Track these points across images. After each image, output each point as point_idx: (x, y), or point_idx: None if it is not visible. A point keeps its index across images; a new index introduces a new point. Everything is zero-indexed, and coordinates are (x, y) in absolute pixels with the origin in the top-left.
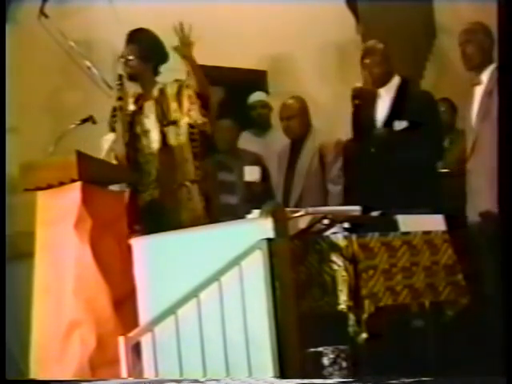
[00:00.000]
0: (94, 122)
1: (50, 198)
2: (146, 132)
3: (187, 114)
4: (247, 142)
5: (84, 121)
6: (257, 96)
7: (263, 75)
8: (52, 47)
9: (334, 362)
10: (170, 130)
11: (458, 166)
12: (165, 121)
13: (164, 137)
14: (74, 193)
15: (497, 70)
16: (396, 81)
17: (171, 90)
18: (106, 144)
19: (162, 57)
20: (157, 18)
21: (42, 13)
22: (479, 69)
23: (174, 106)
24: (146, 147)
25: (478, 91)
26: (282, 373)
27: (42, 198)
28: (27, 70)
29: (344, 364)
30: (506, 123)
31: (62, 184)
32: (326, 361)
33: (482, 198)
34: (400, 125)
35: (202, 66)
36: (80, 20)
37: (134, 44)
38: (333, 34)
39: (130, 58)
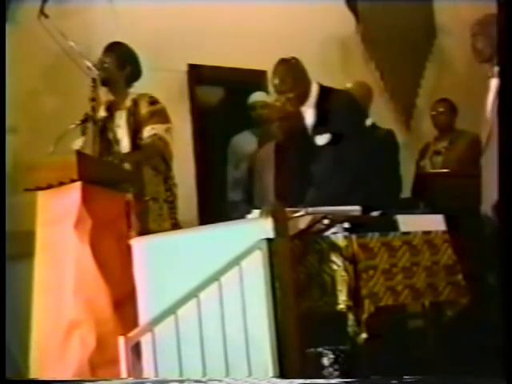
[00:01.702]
0: (95, 122)
1: (50, 198)
2: (118, 140)
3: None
4: (248, 142)
5: (84, 121)
6: (257, 96)
7: (263, 75)
8: (52, 47)
9: (334, 362)
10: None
11: (459, 166)
12: (137, 139)
13: (135, 148)
14: (74, 193)
15: (498, 69)
16: (315, 91)
17: (144, 110)
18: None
19: (136, 73)
20: (157, 18)
21: (42, 13)
22: (492, 61)
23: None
24: (118, 153)
25: (493, 83)
26: (282, 373)
27: (42, 197)
28: (27, 70)
29: (344, 364)
30: (506, 124)
31: (61, 184)
32: (325, 361)
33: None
34: (322, 139)
35: (203, 66)
36: (80, 20)
37: (111, 52)
38: (333, 34)
39: (106, 63)
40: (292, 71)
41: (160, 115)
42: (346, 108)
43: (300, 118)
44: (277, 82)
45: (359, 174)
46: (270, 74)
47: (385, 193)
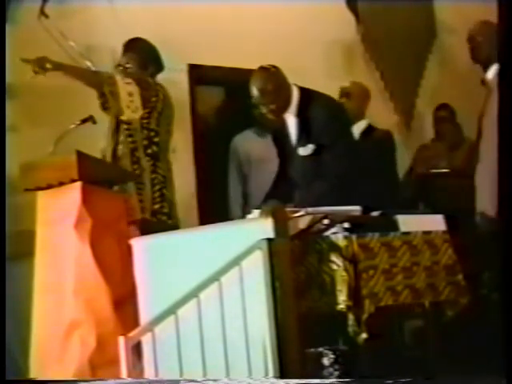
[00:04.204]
0: (94, 122)
1: (50, 198)
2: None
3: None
4: (249, 141)
5: (84, 121)
6: None
7: None
8: (52, 47)
9: (334, 362)
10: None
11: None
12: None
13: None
14: (74, 193)
15: (498, 69)
16: (295, 97)
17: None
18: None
19: (158, 69)
20: (156, 18)
21: (42, 13)
22: (485, 66)
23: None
24: None
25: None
26: (282, 373)
27: (42, 198)
28: (27, 70)
29: (344, 364)
30: (506, 125)
31: (61, 184)
32: (325, 361)
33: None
34: (305, 151)
35: (203, 66)
36: (80, 20)
37: (132, 53)
38: (334, 34)
39: (128, 65)
40: (272, 81)
41: None
42: (328, 117)
43: (283, 124)
44: (256, 93)
45: (342, 180)
46: (250, 83)
47: (379, 195)
